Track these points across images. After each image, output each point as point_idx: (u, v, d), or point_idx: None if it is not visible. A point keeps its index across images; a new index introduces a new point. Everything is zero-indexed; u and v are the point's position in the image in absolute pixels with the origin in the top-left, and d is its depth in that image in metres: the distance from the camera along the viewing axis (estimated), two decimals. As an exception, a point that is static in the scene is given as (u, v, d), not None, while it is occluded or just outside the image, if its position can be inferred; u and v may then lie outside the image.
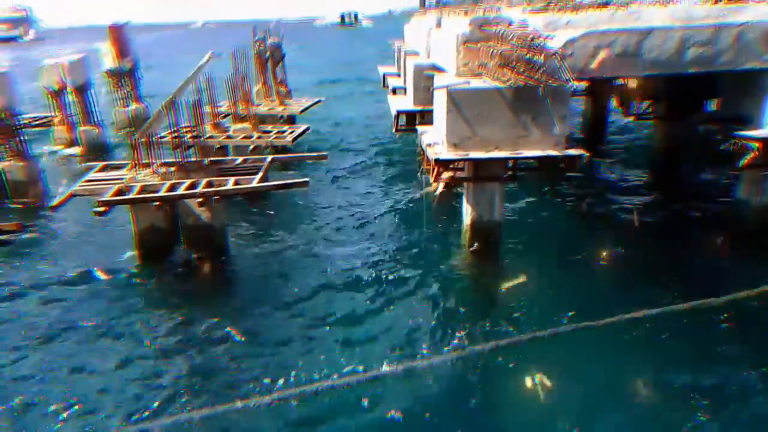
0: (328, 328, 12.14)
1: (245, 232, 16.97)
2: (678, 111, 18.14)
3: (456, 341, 11.27)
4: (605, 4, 14.19)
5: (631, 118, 21.41)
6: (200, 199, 13.83)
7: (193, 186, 14.18)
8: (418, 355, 10.98)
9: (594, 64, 12.79)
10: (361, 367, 10.64)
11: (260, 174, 14.77)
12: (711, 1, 14.05)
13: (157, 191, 14.02)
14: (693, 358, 10.66)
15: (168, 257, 14.99)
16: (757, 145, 13.06)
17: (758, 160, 13.34)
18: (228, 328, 12.09)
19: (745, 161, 13.42)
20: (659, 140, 19.93)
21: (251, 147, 19.99)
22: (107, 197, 13.58)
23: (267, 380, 10.46)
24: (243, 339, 11.79)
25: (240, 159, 16.58)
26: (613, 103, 23.78)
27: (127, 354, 11.45)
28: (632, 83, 20.42)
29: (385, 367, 10.59)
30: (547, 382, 10.11)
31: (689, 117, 16.53)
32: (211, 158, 16.25)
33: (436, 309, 12.62)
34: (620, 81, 21.00)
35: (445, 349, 11.09)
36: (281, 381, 10.41)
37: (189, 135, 15.57)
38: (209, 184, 14.32)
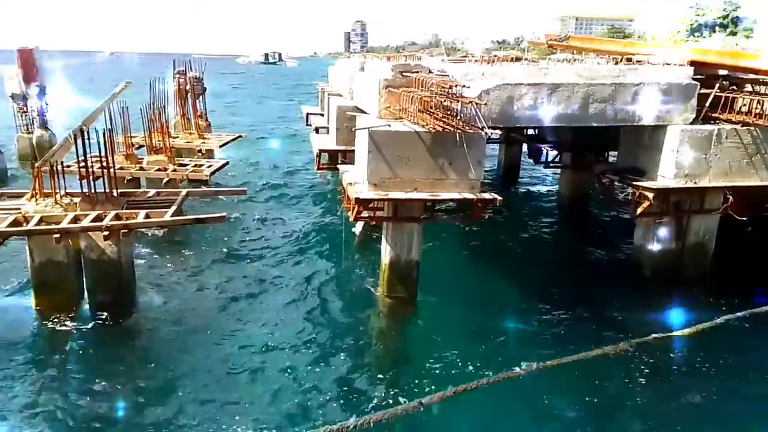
0: (233, 380, 11.41)
1: (155, 269, 16.15)
2: (582, 161, 19.44)
3: (371, 397, 10.90)
4: (517, 59, 15.12)
5: (541, 166, 22.70)
6: (106, 233, 13.07)
7: (99, 218, 13.42)
8: (327, 414, 10.49)
9: (506, 114, 13.52)
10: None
11: (174, 207, 14.23)
12: (612, 61, 15.35)
13: (59, 223, 13.14)
14: (596, 407, 10.92)
15: (67, 295, 13.90)
16: (651, 195, 14.17)
17: (652, 209, 14.44)
18: (123, 382, 11.13)
19: (640, 210, 14.49)
20: (566, 187, 21.21)
21: (166, 180, 19.29)
22: (1, 228, 12.56)
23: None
24: (142, 392, 10.90)
25: (153, 191, 15.94)
26: (525, 150, 25.21)
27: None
28: (542, 133, 21.75)
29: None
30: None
31: (593, 167, 17.72)
32: (122, 190, 15.51)
33: (350, 358, 12.26)
34: (531, 131, 22.31)
35: (357, 408, 10.67)
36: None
37: (98, 165, 14.81)
38: (117, 217, 13.60)
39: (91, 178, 14.19)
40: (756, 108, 14.05)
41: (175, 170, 20.00)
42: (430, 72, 13.94)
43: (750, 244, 17.50)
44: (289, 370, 11.78)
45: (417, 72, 13.80)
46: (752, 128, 14.08)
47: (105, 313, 13.41)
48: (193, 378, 11.47)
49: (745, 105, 14.36)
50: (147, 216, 13.76)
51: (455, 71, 13.99)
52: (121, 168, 18.87)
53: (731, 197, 14.50)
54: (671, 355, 12.35)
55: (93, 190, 14.22)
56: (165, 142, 21.08)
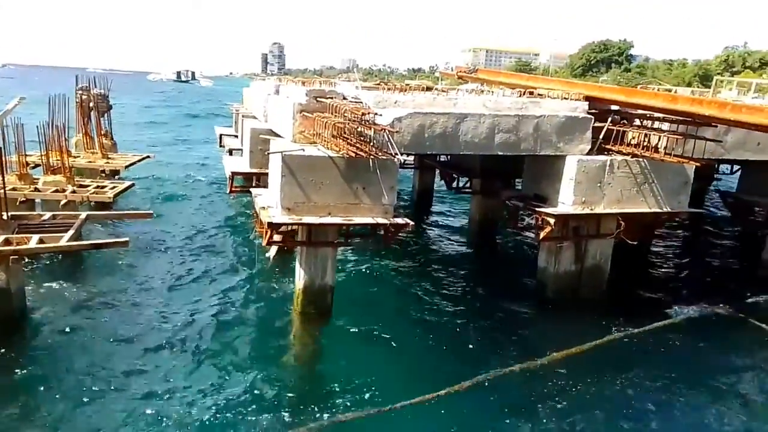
0: (134, 402, 10.92)
1: (50, 298, 14.98)
2: (491, 187, 20.28)
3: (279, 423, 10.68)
4: (428, 89, 15.66)
5: (452, 191, 23.43)
6: (-7, 259, 12.09)
7: (-15, 243, 12.39)
8: None
9: (418, 141, 13.91)
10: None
11: (71, 232, 13.40)
12: (517, 93, 16.23)
13: (-64, 248, 12.01)
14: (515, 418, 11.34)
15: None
16: (552, 220, 15.00)
17: (554, 234, 15.28)
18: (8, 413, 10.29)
19: (543, 234, 15.30)
20: (476, 212, 22.00)
21: (64, 201, 18.14)
22: None
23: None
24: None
25: (49, 215, 14.95)
26: (438, 176, 25.94)
27: None
28: (453, 160, 22.50)
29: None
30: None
31: (500, 193, 18.52)
32: (13, 213, 14.43)
33: (262, 384, 11.96)
34: (444, 157, 23.02)
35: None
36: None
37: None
38: (6, 242, 12.62)
39: (-23, 199, 13.13)
40: (644, 141, 15.31)
41: (74, 191, 18.86)
42: (344, 98, 14.13)
43: (640, 266, 18.96)
44: (193, 392, 11.41)
45: (331, 98, 13.93)
46: (640, 159, 15.31)
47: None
48: (91, 404, 10.84)
49: (634, 138, 15.61)
50: (40, 241, 12.87)
51: (369, 98, 14.25)
52: (14, 189, 17.58)
53: (623, 223, 15.62)
54: (570, 372, 12.99)
55: (-21, 213, 13.16)
56: (64, 162, 19.86)
